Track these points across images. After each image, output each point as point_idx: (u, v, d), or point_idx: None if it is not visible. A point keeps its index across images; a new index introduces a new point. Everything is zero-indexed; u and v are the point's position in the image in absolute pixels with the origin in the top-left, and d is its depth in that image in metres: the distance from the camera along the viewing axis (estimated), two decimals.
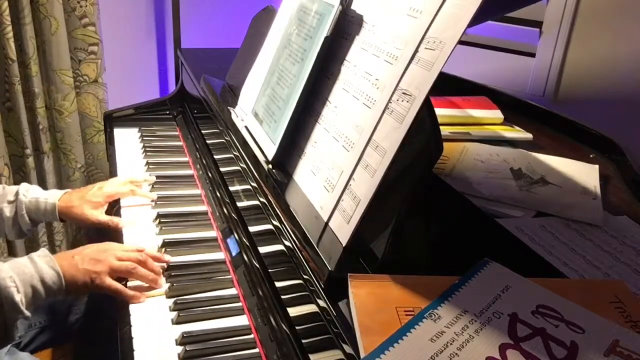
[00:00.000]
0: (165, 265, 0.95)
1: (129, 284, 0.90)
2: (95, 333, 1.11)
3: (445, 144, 0.65)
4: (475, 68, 1.63)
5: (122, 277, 0.90)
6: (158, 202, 1.16)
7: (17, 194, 1.08)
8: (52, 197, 1.09)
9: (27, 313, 0.81)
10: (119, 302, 0.87)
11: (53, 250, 1.89)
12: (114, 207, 1.15)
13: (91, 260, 0.88)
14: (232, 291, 0.90)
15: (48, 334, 1.08)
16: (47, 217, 1.10)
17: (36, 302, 0.83)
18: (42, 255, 0.85)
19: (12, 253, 1.80)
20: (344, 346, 0.57)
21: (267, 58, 1.01)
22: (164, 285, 0.91)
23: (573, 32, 1.55)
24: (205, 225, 1.09)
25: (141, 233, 1.06)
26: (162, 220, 1.09)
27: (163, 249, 1.00)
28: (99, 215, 1.09)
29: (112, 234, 1.06)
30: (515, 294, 0.58)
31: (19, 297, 0.80)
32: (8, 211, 1.07)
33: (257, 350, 0.79)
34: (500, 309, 0.56)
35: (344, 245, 0.64)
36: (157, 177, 1.25)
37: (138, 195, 1.16)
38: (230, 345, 0.79)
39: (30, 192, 1.09)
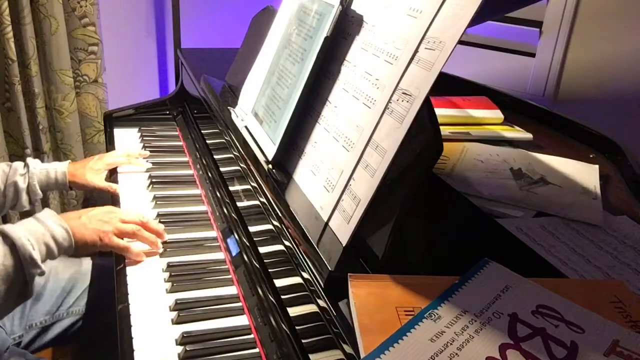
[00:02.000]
0: (162, 229, 1.01)
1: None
2: (96, 333, 1.12)
3: (445, 144, 0.65)
4: (475, 68, 1.63)
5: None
6: (158, 202, 1.16)
7: (26, 165, 1.17)
8: (60, 167, 1.20)
9: (44, 268, 0.85)
10: (118, 301, 0.87)
11: None
12: (112, 175, 1.28)
13: (99, 220, 0.94)
14: (232, 291, 0.90)
15: (49, 334, 1.08)
16: (58, 187, 1.20)
17: (50, 258, 0.87)
18: (48, 215, 0.89)
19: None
20: (344, 346, 0.57)
21: (267, 58, 1.01)
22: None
23: (573, 32, 1.55)
24: (205, 225, 1.09)
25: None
26: (162, 220, 1.09)
27: (163, 248, 1.00)
28: (100, 181, 1.21)
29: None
30: (515, 294, 0.58)
31: (35, 254, 0.83)
32: (22, 182, 1.14)
33: (257, 350, 0.79)
34: (500, 309, 0.56)
35: (344, 245, 0.64)
36: (157, 177, 1.26)
37: (133, 164, 1.29)
38: (230, 345, 0.79)
39: (38, 164, 1.19)
